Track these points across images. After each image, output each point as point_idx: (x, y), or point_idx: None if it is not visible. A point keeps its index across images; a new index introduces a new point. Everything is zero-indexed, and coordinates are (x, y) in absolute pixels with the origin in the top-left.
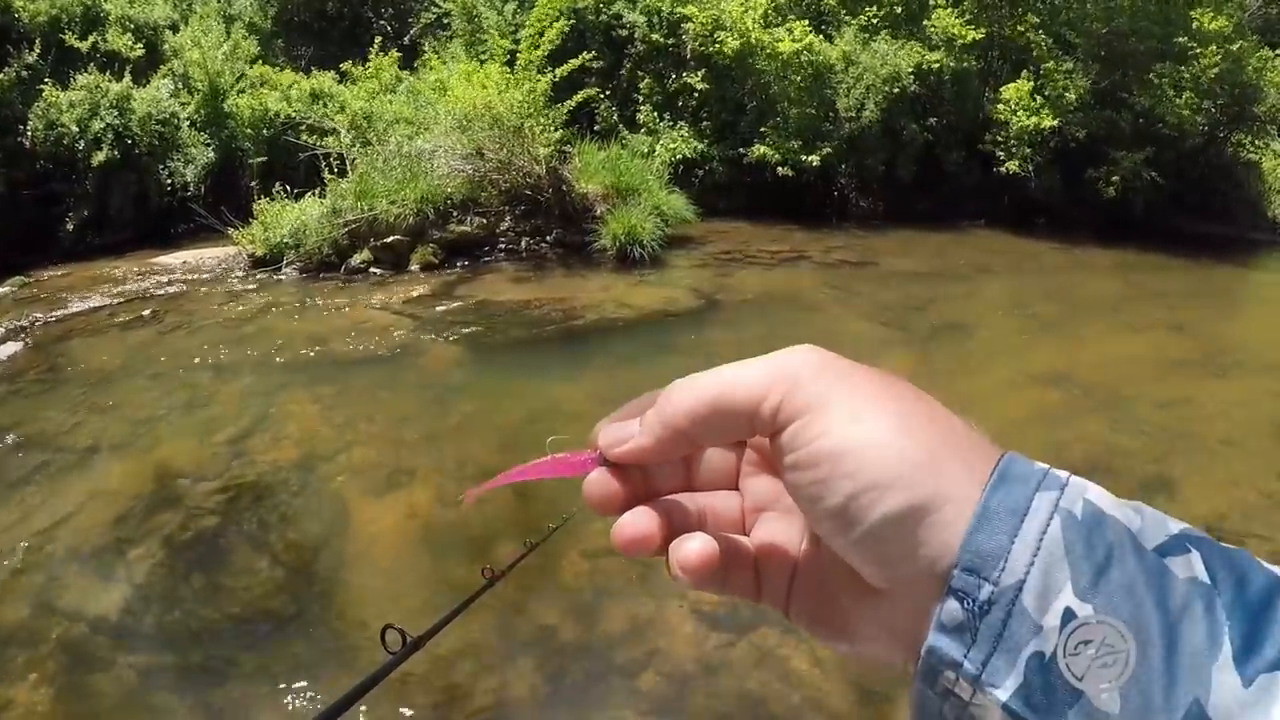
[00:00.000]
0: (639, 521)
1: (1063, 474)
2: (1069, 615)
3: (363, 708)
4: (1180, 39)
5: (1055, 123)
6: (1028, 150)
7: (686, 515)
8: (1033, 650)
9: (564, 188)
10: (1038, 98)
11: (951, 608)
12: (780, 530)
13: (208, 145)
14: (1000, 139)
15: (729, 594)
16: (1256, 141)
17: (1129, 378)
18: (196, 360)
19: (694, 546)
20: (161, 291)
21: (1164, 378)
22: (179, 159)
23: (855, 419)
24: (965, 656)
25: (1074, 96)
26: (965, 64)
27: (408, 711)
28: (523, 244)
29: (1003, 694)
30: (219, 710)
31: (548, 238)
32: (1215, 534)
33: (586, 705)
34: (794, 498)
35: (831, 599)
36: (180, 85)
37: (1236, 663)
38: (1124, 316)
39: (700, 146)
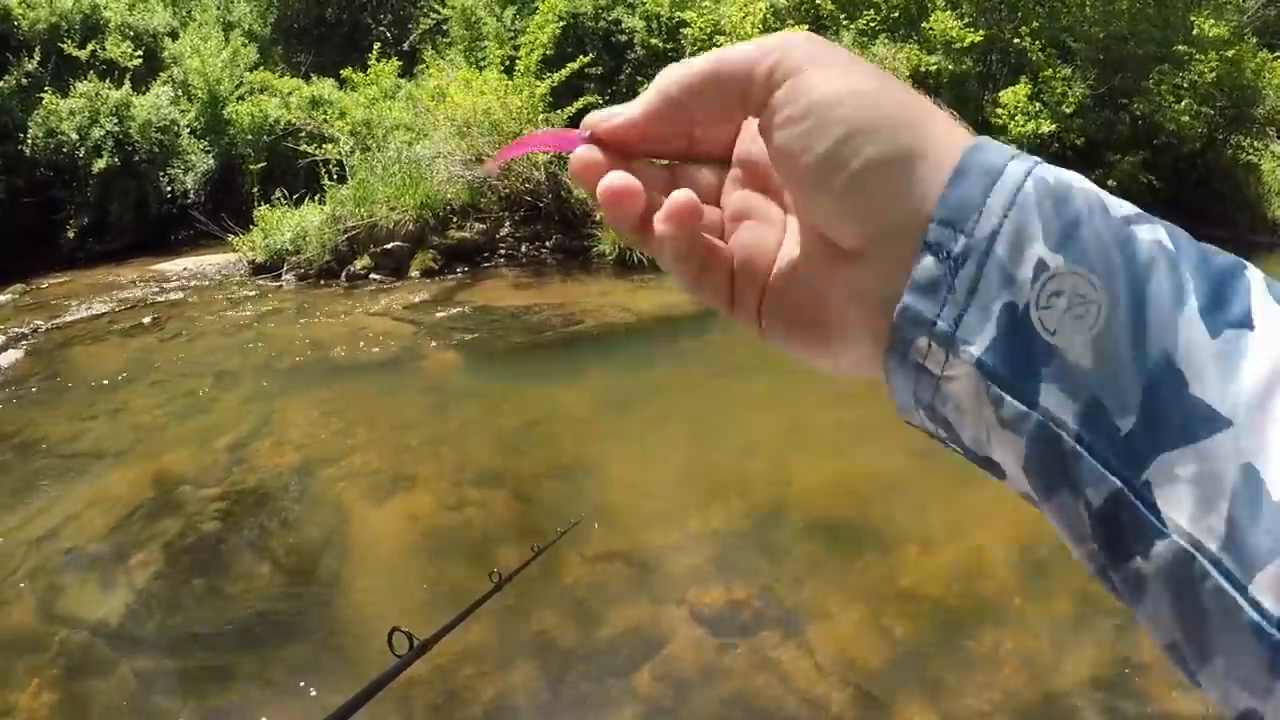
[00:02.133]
0: (623, 177)
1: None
2: (1041, 266)
3: (366, 710)
4: (1180, 47)
5: (1053, 127)
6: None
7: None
8: (1005, 301)
9: (563, 193)
10: (1036, 102)
11: (926, 264)
12: (758, 235)
13: (208, 152)
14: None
15: (703, 296)
16: (1256, 144)
17: None
18: (197, 367)
19: (679, 193)
20: (162, 298)
21: None
22: (179, 166)
23: (845, 74)
24: (938, 315)
25: (1072, 101)
26: (964, 67)
27: (409, 715)
28: (523, 249)
29: (976, 349)
30: (221, 714)
31: (547, 243)
32: None
33: (586, 709)
34: (780, 160)
35: (805, 297)
36: (180, 92)
37: (1203, 316)
38: None
39: None
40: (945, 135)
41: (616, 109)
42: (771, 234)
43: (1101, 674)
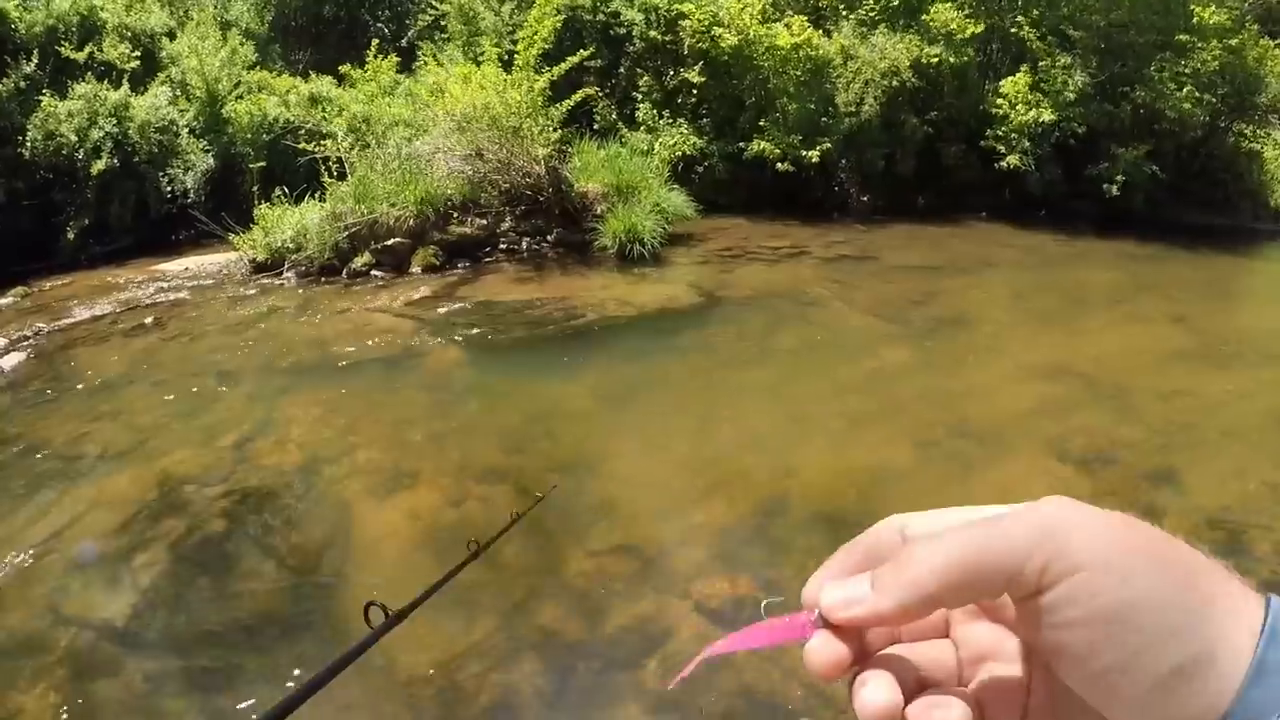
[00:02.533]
0: (882, 693)
1: None
2: None
3: (370, 706)
4: (1181, 35)
5: (1054, 116)
6: (1027, 144)
7: (915, 674)
8: None
9: (564, 187)
10: (1036, 92)
11: None
12: (1008, 679)
13: (207, 151)
14: (1000, 133)
15: None
16: (1258, 131)
17: (1130, 369)
18: (199, 366)
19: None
20: (163, 298)
21: (1165, 369)
22: (178, 166)
23: (1127, 578)
24: None
25: (1073, 90)
26: (964, 57)
27: (417, 713)
28: (523, 244)
29: None
30: (227, 714)
31: (548, 237)
32: (1220, 525)
33: (591, 704)
34: (1054, 657)
35: None
36: (178, 92)
37: None
38: (1125, 308)
39: (699, 143)
40: (1234, 620)
41: (856, 593)
42: (1018, 678)
43: None
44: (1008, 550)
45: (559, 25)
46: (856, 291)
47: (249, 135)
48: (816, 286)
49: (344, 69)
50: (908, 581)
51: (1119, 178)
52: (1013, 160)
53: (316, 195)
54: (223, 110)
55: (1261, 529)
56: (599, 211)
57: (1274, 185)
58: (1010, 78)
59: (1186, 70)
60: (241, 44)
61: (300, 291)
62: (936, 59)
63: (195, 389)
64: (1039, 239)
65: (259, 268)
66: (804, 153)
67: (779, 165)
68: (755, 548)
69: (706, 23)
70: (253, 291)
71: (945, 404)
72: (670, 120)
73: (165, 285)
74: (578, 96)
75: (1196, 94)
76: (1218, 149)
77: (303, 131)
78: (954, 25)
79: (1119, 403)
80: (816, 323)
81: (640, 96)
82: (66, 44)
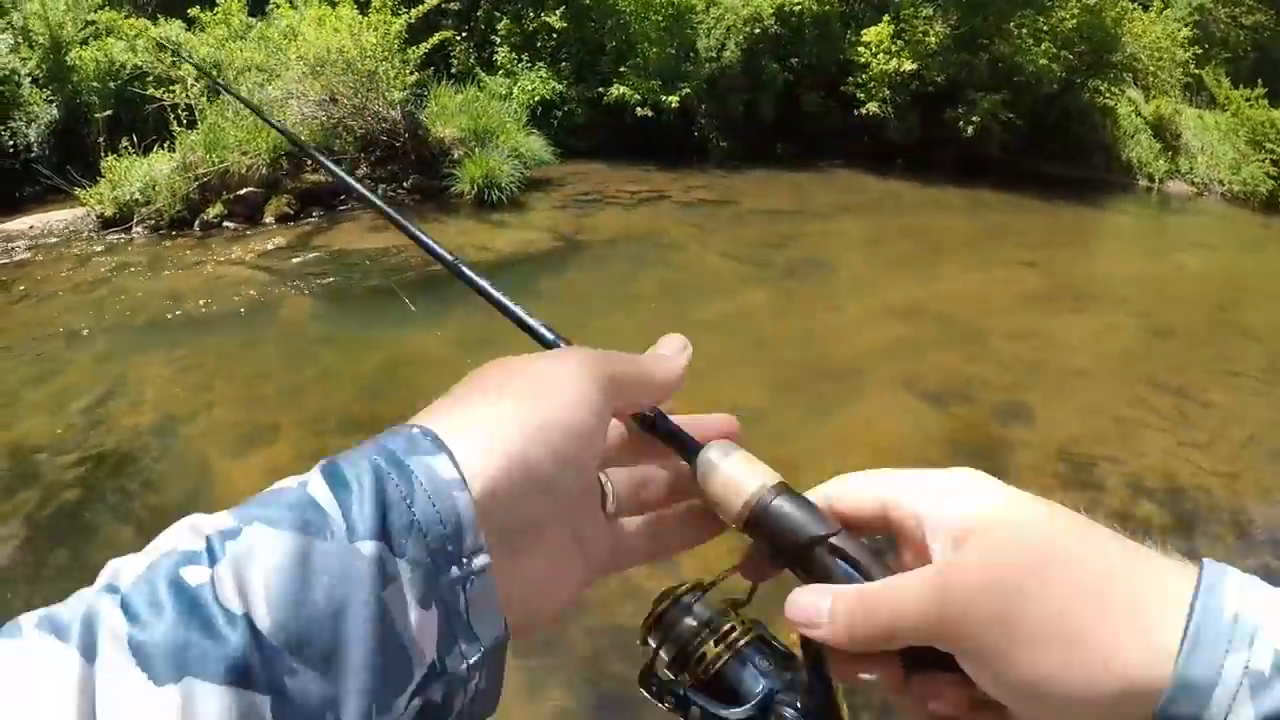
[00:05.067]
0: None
1: (1250, 620)
2: None
3: None
4: None
5: (914, 66)
6: (887, 92)
7: None
8: None
9: (420, 132)
10: (898, 41)
11: None
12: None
13: (51, 102)
14: (861, 81)
15: None
16: (1113, 89)
17: (984, 312)
18: (48, 329)
19: None
20: (7, 259)
21: (1019, 312)
22: (20, 118)
23: (1042, 647)
24: None
25: (934, 41)
26: (827, 5)
27: None
28: (379, 190)
29: None
30: None
31: (404, 184)
32: (1070, 459)
33: None
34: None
35: None
36: (20, 39)
37: None
38: (980, 254)
39: (559, 88)
40: (1144, 638)
41: (817, 615)
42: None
43: None
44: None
45: None
46: (715, 235)
47: (95, 83)
48: (675, 230)
49: (193, 11)
50: (866, 627)
51: (975, 119)
52: (872, 108)
53: (166, 145)
54: (67, 57)
55: (1111, 462)
56: (456, 157)
57: (1126, 140)
58: (873, 27)
59: (1045, 27)
60: None
61: (151, 246)
62: (799, 6)
63: (43, 353)
64: (896, 186)
65: (107, 223)
66: (664, 98)
67: (639, 110)
68: None
69: None
70: (101, 249)
71: (804, 344)
72: (529, 65)
73: (8, 245)
74: (435, 39)
75: (1054, 50)
76: (1073, 103)
77: (151, 78)
78: None
79: (973, 343)
80: (675, 265)
81: (499, 40)
82: None
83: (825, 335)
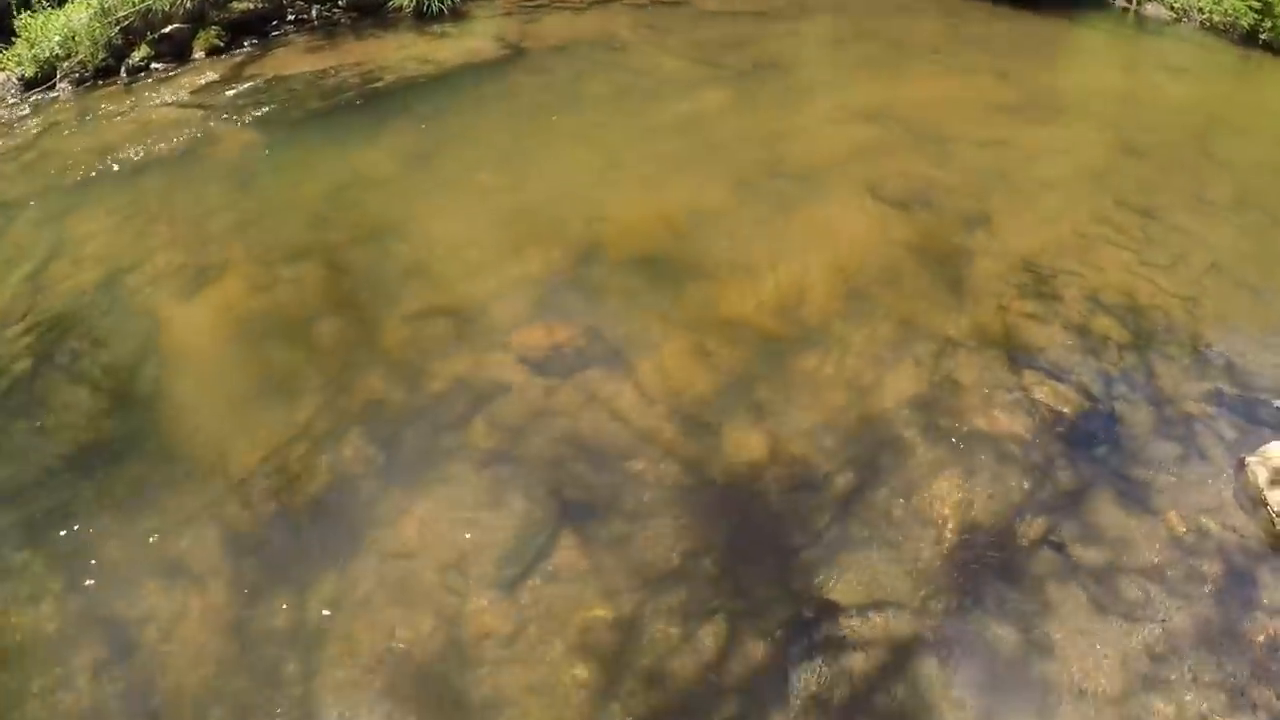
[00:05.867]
0: None
1: None
2: None
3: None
4: None
5: None
6: None
7: None
8: None
9: None
10: None
11: None
12: None
13: None
14: None
15: None
16: None
17: (950, 118)
18: None
19: None
20: None
21: (985, 120)
22: None
23: None
24: None
25: None
26: None
27: (251, 509)
28: (313, 12)
29: None
30: (75, 551)
31: (340, 3)
32: (1031, 269)
33: (421, 468)
34: None
35: None
36: None
37: None
38: (947, 60)
39: None
40: None
41: None
42: None
43: (921, 393)
44: None
45: None
46: (670, 37)
47: None
48: (627, 33)
49: None
50: None
51: None
52: None
53: None
54: None
55: (1070, 274)
56: None
57: None
58: None
59: None
60: None
61: (78, 101)
62: None
63: None
64: None
65: (30, 84)
66: None
67: None
68: (573, 295)
69: None
70: (26, 111)
71: (763, 145)
72: None
73: None
74: None
75: None
76: None
77: None
78: None
79: (937, 149)
80: (628, 69)
81: None
82: None
83: (786, 137)
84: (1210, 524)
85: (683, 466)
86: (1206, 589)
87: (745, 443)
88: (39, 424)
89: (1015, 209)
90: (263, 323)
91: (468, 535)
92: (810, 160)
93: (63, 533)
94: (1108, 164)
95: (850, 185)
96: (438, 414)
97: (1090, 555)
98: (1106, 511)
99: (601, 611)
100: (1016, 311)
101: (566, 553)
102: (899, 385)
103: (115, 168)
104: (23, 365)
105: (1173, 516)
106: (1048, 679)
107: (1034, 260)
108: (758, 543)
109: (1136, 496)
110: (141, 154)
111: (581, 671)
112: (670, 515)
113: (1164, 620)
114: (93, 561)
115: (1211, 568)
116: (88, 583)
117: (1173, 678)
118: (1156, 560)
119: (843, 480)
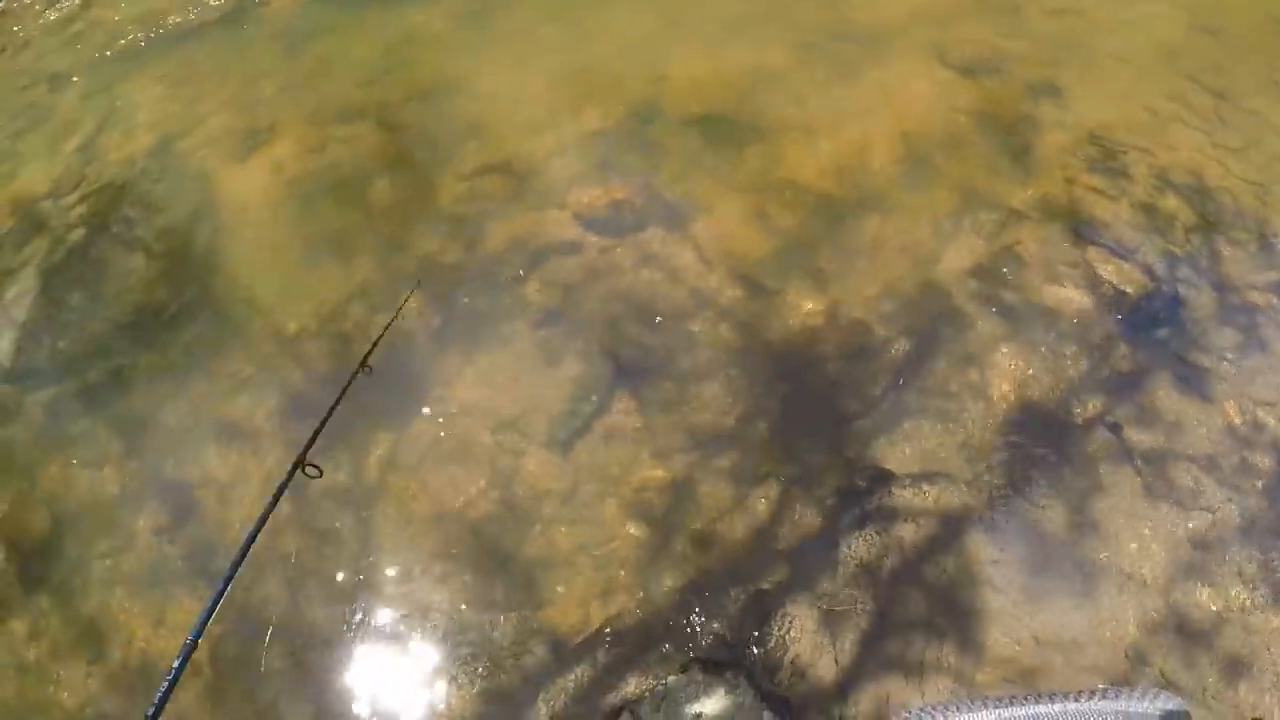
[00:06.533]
0: None
1: None
2: None
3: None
4: None
5: None
6: None
7: None
8: None
9: None
10: None
11: None
12: None
13: None
14: None
15: None
16: None
17: None
18: (28, 77)
19: None
20: None
21: None
22: None
23: None
24: None
25: None
26: None
27: (306, 367)
28: None
29: None
30: (133, 416)
31: None
32: (1100, 144)
33: (479, 325)
34: None
35: None
36: None
37: None
38: None
39: None
40: None
41: None
42: None
43: (983, 264)
44: None
45: None
46: None
47: None
48: None
49: None
50: None
51: None
52: None
53: None
54: None
55: (1141, 151)
56: None
57: None
58: None
59: None
60: None
61: None
62: None
63: (29, 101)
64: None
65: None
66: None
67: None
68: (631, 154)
69: None
70: None
71: (826, 5)
72: None
73: None
74: None
75: None
76: None
77: None
78: None
79: (1007, 15)
80: None
81: None
82: None
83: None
84: (1267, 418)
85: (738, 329)
86: (1259, 483)
87: (801, 307)
88: (97, 294)
89: (1087, 81)
90: (317, 183)
91: (523, 395)
92: (875, 23)
93: (121, 399)
94: (1183, 40)
95: (916, 49)
96: (494, 273)
97: (1144, 439)
98: (1164, 395)
99: (655, 472)
100: (1083, 185)
101: (621, 413)
102: (959, 255)
103: (163, 34)
104: (78, 235)
105: (1230, 406)
106: (1094, 560)
107: (1102, 135)
108: (812, 408)
109: (1195, 383)
110: (188, 19)
111: (634, 531)
112: (725, 378)
113: (1214, 510)
114: (151, 426)
115: (1264, 462)
116: (147, 447)
117: (1218, 568)
118: (1210, 449)
119: (899, 349)
